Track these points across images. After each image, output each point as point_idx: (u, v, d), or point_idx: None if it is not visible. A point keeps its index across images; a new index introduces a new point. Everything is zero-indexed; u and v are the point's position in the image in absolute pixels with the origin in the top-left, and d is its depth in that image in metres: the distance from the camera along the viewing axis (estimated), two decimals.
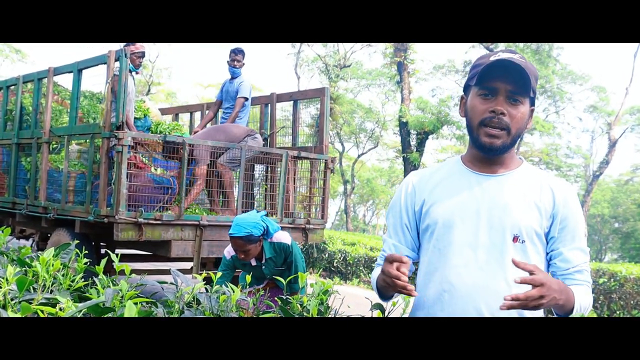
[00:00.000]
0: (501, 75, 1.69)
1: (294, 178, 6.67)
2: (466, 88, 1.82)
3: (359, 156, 32.73)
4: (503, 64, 1.68)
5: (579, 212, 1.78)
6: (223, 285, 2.17)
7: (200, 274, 4.78)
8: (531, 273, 1.50)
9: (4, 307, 1.68)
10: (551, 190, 1.76)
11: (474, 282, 1.72)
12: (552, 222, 1.74)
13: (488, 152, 1.75)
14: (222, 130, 6.35)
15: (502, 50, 1.75)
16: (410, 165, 17.55)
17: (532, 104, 1.76)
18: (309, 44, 26.66)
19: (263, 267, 4.01)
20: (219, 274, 3.88)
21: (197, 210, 5.92)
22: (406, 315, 1.99)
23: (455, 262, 1.75)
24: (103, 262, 2.12)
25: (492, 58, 1.71)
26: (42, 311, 1.60)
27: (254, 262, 4.00)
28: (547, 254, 1.78)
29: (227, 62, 6.94)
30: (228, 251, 4.07)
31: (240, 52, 6.93)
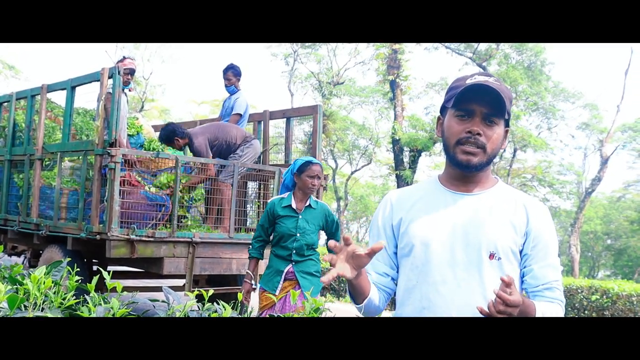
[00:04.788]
0: (477, 98, 1.72)
1: None
2: (443, 109, 1.85)
3: (352, 173, 32.72)
4: (479, 88, 1.71)
5: (551, 231, 1.82)
6: (215, 304, 2.17)
7: (193, 292, 4.77)
8: (508, 286, 1.48)
9: None
10: (525, 209, 1.80)
11: (453, 299, 1.75)
12: (525, 239, 1.78)
13: (465, 169, 1.78)
14: (222, 127, 6.33)
15: (478, 74, 1.79)
16: (403, 182, 17.58)
17: (507, 125, 1.81)
18: (303, 61, 26.82)
19: (300, 217, 4.21)
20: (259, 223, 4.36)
21: (190, 223, 5.91)
22: None
23: (434, 280, 1.77)
24: (95, 279, 2.12)
25: (469, 81, 1.74)
26: None
27: (296, 205, 4.25)
28: (520, 270, 1.81)
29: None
30: (273, 198, 4.45)
31: (229, 69, 6.87)
